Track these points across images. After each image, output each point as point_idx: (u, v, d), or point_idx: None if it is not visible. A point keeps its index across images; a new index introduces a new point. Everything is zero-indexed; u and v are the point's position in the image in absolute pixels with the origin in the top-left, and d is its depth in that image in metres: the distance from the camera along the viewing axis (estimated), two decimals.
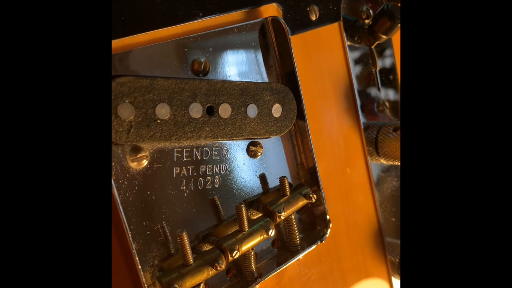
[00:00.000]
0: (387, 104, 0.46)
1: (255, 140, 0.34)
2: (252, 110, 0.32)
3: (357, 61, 0.43)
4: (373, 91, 0.45)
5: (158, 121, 0.28)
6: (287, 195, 0.34)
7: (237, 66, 0.33)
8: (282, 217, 0.33)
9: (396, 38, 0.45)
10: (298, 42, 0.37)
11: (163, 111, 0.28)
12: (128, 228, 0.27)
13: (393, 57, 0.46)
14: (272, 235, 0.32)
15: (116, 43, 0.27)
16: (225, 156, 0.33)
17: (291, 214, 0.35)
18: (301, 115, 0.35)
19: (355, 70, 0.43)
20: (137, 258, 0.27)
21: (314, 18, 0.38)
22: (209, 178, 0.32)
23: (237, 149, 0.34)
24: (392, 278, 0.48)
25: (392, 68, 0.46)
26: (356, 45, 0.43)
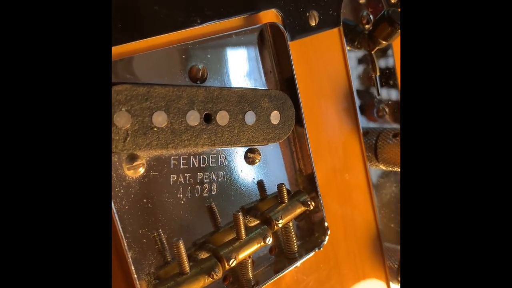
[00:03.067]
0: (386, 109, 0.46)
1: (253, 147, 0.34)
2: (250, 117, 0.32)
3: (357, 66, 0.43)
4: (373, 97, 0.45)
5: (155, 129, 0.27)
6: (285, 202, 0.34)
7: (235, 72, 0.33)
8: (280, 225, 0.33)
9: (396, 43, 0.45)
10: (297, 48, 0.37)
11: (160, 119, 0.27)
12: (123, 236, 0.27)
13: (393, 62, 0.46)
14: (269, 243, 0.32)
15: (113, 50, 0.27)
16: (222, 163, 0.33)
17: (289, 222, 0.34)
18: (299, 121, 0.35)
19: (354, 75, 0.43)
20: (132, 267, 0.27)
21: (313, 24, 0.38)
22: (206, 185, 0.32)
23: (235, 156, 0.33)
24: (391, 284, 0.48)
25: (392, 74, 0.46)
26: (356, 50, 0.43)
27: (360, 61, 0.43)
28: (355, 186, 0.43)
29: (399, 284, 0.48)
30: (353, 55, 0.43)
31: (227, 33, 0.32)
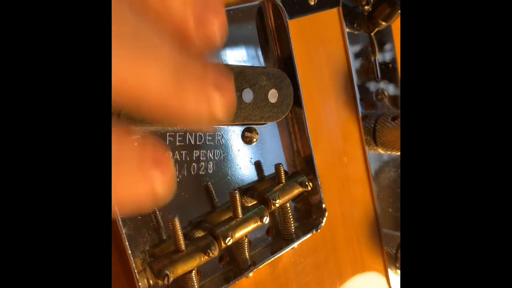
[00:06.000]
0: (386, 93, 0.45)
1: (250, 126, 0.34)
2: (247, 95, 0.31)
3: (356, 49, 0.43)
4: (372, 80, 0.44)
5: None
6: (283, 183, 0.34)
7: (232, 50, 0.32)
8: (277, 205, 0.33)
9: (396, 25, 0.44)
10: (296, 28, 0.37)
11: None
12: (118, 213, 0.26)
13: (393, 45, 0.45)
14: (266, 222, 0.32)
15: None
16: (219, 141, 0.32)
17: (286, 202, 0.34)
18: (297, 101, 0.35)
19: (354, 57, 0.42)
20: (127, 243, 0.27)
21: (312, 3, 0.37)
22: (202, 163, 0.31)
23: (232, 135, 0.33)
24: (388, 269, 0.47)
25: (392, 57, 0.45)
26: (356, 32, 0.42)
27: (360, 43, 0.43)
28: (353, 169, 0.43)
29: (397, 270, 0.48)
30: (353, 37, 0.42)
31: (225, 9, 0.31)
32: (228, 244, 0.30)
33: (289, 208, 0.35)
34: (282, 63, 0.35)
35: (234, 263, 0.33)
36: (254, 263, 0.33)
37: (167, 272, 0.27)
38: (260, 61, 0.34)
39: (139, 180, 0.16)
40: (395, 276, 0.48)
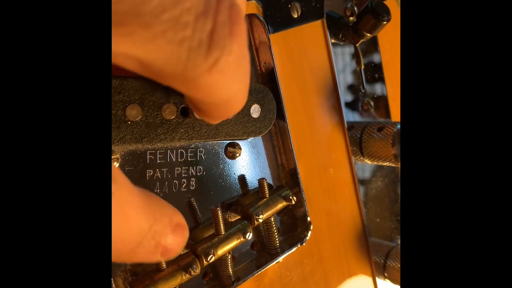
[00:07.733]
0: (371, 103, 0.45)
1: (233, 141, 0.34)
2: None
3: (341, 60, 0.43)
4: (357, 90, 0.44)
5: (129, 122, 0.27)
6: (266, 198, 0.34)
7: None
8: (260, 220, 0.33)
9: (381, 36, 0.45)
10: (279, 41, 0.36)
11: (133, 112, 0.27)
12: None
13: (378, 55, 0.45)
14: (249, 238, 0.32)
15: None
16: (201, 157, 0.32)
17: (270, 217, 0.34)
18: (281, 115, 0.35)
19: (339, 68, 0.42)
20: None
21: (296, 16, 0.37)
22: (184, 180, 0.31)
23: (214, 151, 0.33)
24: (377, 278, 0.47)
25: (377, 67, 0.45)
26: (341, 43, 0.42)
27: (345, 54, 0.43)
28: (339, 180, 0.43)
29: (386, 279, 0.48)
30: (338, 48, 0.42)
31: None
32: (210, 262, 0.30)
33: (273, 223, 0.35)
34: (265, 78, 0.35)
35: (218, 279, 0.33)
36: (238, 279, 0.33)
37: None
38: None
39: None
40: (383, 286, 0.48)
